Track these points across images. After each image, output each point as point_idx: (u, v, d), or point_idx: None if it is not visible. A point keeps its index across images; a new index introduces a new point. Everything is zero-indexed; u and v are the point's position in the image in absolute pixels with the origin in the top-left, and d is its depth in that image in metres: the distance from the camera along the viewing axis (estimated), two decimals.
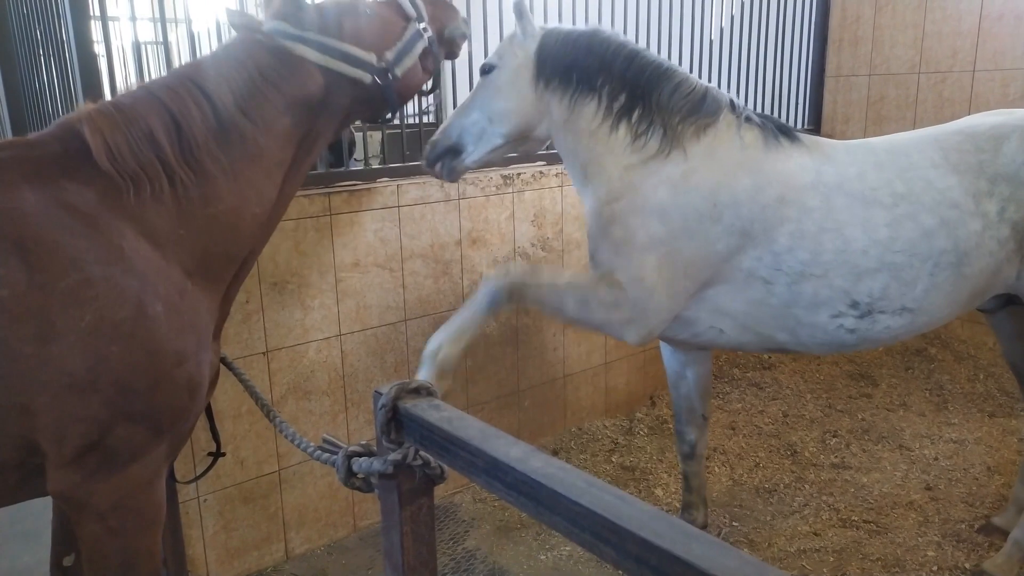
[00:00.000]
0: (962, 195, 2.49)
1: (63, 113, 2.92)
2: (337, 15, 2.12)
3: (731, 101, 2.61)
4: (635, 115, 2.55)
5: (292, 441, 1.93)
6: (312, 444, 1.79)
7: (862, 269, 2.47)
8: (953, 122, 2.73)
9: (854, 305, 2.50)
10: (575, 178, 2.75)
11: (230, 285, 1.99)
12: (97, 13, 2.67)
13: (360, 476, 1.51)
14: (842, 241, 2.46)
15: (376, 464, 1.41)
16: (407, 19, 2.28)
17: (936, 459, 3.77)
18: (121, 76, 5.78)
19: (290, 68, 1.99)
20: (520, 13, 2.63)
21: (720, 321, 2.61)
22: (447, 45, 2.46)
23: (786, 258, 2.48)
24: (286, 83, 1.98)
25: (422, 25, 2.29)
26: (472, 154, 2.67)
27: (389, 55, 2.19)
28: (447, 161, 2.69)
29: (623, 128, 2.56)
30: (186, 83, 1.84)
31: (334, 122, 2.15)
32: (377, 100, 2.20)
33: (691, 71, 4.42)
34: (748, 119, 2.59)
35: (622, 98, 2.55)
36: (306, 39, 2.02)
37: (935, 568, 2.96)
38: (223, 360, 2.26)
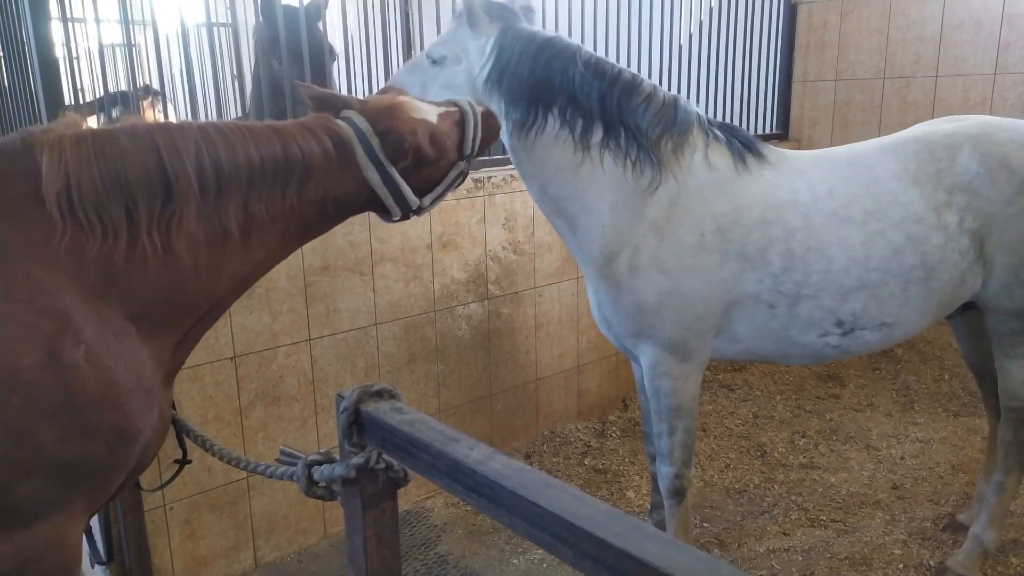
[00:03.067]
0: (924, 209, 2.52)
1: (22, 117, 2.87)
2: (415, 142, 1.88)
3: (698, 115, 2.60)
4: (617, 144, 2.48)
5: (238, 466, 1.85)
6: (264, 464, 1.74)
7: (846, 289, 2.51)
8: (906, 130, 2.76)
9: (839, 324, 2.55)
10: (548, 211, 2.67)
11: (189, 332, 1.78)
12: (59, 14, 2.64)
13: (322, 484, 1.49)
14: (826, 261, 2.50)
15: (338, 469, 1.40)
16: (460, 155, 2.07)
17: (902, 458, 3.83)
18: (88, 79, 5.71)
19: (342, 180, 1.81)
20: (470, 12, 2.49)
21: (729, 347, 2.67)
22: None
23: (783, 279, 2.50)
24: (323, 188, 1.78)
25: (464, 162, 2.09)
26: None
27: (427, 201, 2.01)
28: None
29: (607, 160, 2.49)
30: (200, 147, 1.60)
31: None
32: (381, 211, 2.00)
33: (660, 76, 4.48)
34: (715, 137, 2.59)
35: (597, 129, 2.47)
36: (379, 163, 1.84)
37: (901, 566, 3.00)
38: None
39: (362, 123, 1.83)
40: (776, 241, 2.50)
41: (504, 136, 2.56)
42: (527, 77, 2.43)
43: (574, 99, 2.45)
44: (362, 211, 1.97)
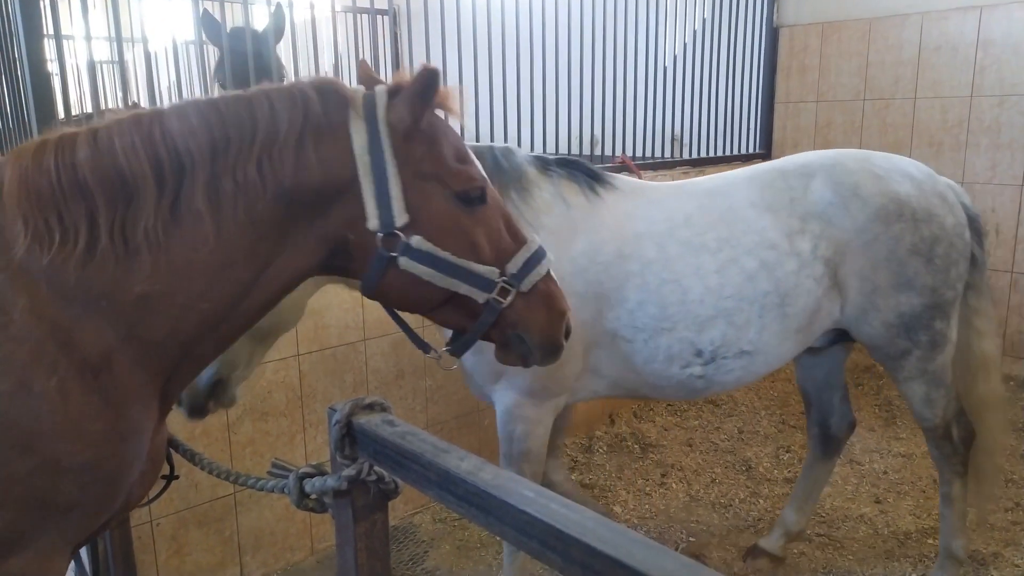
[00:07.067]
0: (778, 235, 2.52)
1: (14, 133, 2.88)
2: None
3: (527, 157, 2.52)
4: None
5: (228, 480, 1.84)
6: (254, 477, 1.74)
7: (703, 319, 2.48)
8: (770, 161, 2.80)
9: (699, 354, 2.51)
10: None
11: (173, 375, 1.60)
12: (51, 32, 2.67)
13: (313, 497, 1.51)
14: (682, 292, 2.47)
15: (330, 481, 1.42)
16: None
17: (885, 473, 3.87)
18: (76, 95, 5.72)
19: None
20: None
21: (596, 384, 2.60)
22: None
23: (639, 314, 2.47)
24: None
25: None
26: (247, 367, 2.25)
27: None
28: (219, 397, 2.20)
29: None
30: (155, 138, 1.43)
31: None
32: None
33: (646, 97, 4.55)
34: (557, 174, 2.52)
35: None
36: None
37: None
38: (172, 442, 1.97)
39: None
40: (632, 275, 2.46)
41: None
42: None
43: None
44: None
